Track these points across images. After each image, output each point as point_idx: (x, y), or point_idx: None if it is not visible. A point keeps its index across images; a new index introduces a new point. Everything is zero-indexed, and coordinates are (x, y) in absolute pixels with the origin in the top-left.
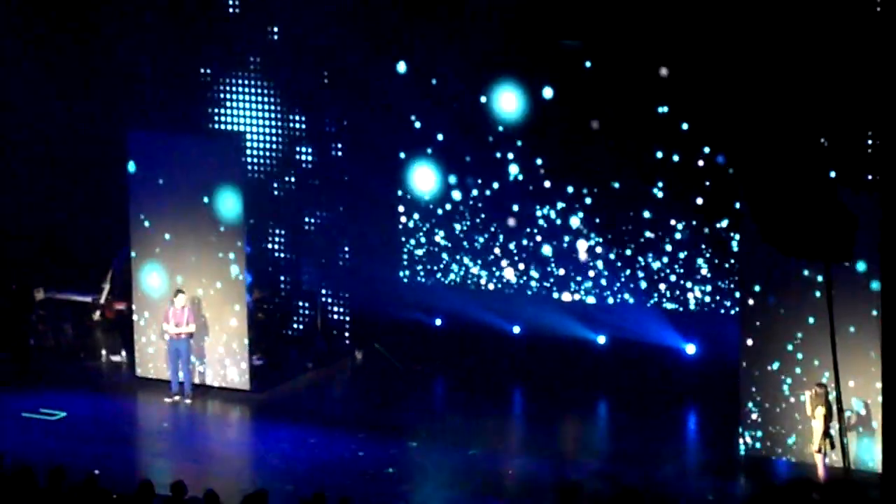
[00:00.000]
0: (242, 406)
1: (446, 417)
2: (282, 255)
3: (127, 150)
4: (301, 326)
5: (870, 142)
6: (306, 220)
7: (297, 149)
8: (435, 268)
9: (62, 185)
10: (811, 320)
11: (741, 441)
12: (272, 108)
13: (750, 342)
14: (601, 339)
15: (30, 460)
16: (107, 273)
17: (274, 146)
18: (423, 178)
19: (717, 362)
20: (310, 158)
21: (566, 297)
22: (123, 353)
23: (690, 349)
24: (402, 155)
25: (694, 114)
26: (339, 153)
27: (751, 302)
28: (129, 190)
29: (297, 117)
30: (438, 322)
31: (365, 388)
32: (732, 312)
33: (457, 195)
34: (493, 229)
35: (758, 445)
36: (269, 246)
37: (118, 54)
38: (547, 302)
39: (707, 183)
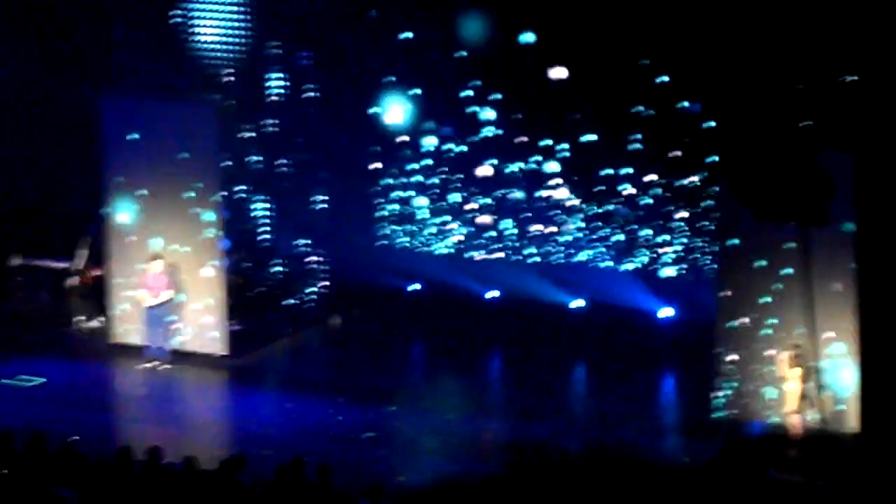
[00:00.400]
0: (220, 371)
1: (424, 382)
2: (261, 221)
3: (101, 115)
4: (279, 291)
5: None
6: (284, 186)
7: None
8: (412, 232)
9: (38, 151)
10: (790, 271)
11: (715, 397)
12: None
13: (728, 293)
14: (578, 303)
15: (8, 426)
16: (83, 238)
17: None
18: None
19: (694, 325)
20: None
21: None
22: (101, 318)
23: (668, 312)
24: (377, 110)
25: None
26: (312, 116)
27: (727, 254)
28: (105, 155)
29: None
30: (417, 287)
31: (343, 353)
32: (708, 272)
33: (430, 154)
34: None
35: (731, 403)
36: (249, 215)
37: (92, 21)
38: (524, 266)
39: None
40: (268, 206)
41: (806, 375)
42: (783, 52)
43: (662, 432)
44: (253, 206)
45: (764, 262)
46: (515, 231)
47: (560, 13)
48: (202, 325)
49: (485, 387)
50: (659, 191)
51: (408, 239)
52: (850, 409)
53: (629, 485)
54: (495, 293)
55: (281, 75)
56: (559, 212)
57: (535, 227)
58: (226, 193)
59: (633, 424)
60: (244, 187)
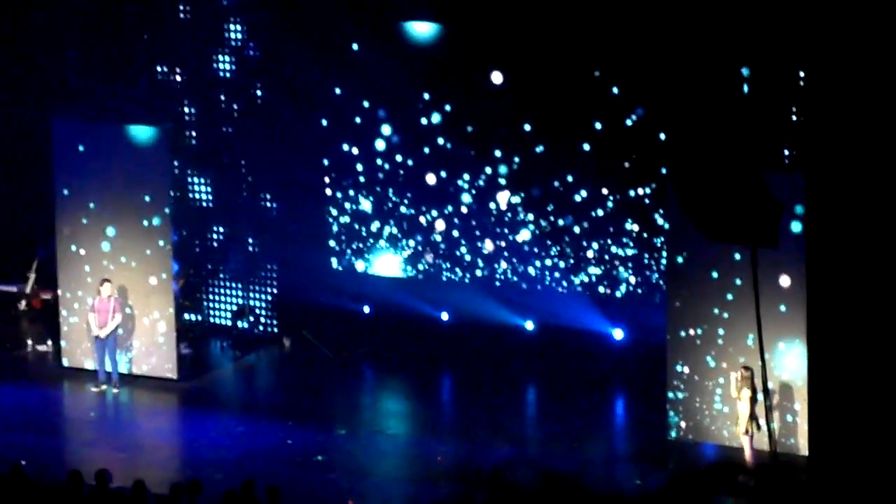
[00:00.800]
0: (170, 395)
1: (375, 405)
2: (210, 242)
3: (51, 137)
4: (229, 314)
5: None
6: (235, 207)
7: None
8: (363, 253)
9: None
10: (738, 282)
11: (667, 417)
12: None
13: (678, 305)
14: (529, 325)
15: None
16: (32, 262)
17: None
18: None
19: (645, 347)
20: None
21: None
22: (49, 342)
23: (618, 334)
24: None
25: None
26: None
27: (677, 264)
28: (54, 178)
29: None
30: (367, 309)
31: (293, 376)
32: (658, 298)
33: (384, 166)
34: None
35: (683, 425)
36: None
37: (43, 41)
38: (475, 287)
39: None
40: (219, 228)
41: (755, 397)
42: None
43: (613, 457)
44: (203, 229)
45: (714, 275)
46: (465, 248)
47: (513, 22)
48: (152, 349)
49: (435, 409)
50: (609, 204)
51: (357, 258)
52: (799, 431)
53: None
54: (445, 315)
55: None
56: (507, 228)
57: (486, 245)
58: (175, 216)
59: (583, 448)
60: (194, 212)
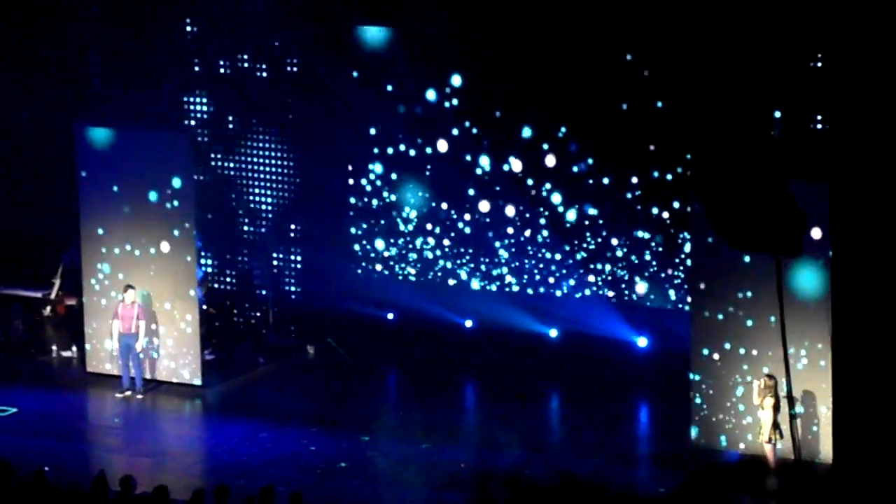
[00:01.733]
0: (193, 401)
1: (398, 411)
2: (235, 250)
3: (75, 143)
4: (253, 321)
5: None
6: (260, 213)
7: (249, 143)
8: (388, 261)
9: (10, 178)
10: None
11: (690, 425)
12: (223, 102)
13: (702, 285)
14: (553, 333)
15: None
16: (57, 268)
17: (226, 143)
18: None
19: (669, 355)
20: (260, 153)
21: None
22: (74, 348)
23: (642, 342)
24: (353, 146)
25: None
26: (289, 147)
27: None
28: (78, 187)
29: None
30: (390, 316)
31: (317, 383)
32: (681, 306)
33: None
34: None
35: (705, 433)
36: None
37: (67, 47)
38: (499, 296)
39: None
40: (243, 234)
41: (778, 405)
42: (757, 79)
43: (635, 462)
44: (228, 236)
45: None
46: (487, 254)
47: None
48: (176, 355)
49: (459, 416)
50: (636, 205)
51: (380, 264)
52: (822, 439)
53: None
54: (469, 322)
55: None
56: (528, 232)
57: (503, 251)
58: (198, 221)
59: (605, 454)
60: (220, 216)
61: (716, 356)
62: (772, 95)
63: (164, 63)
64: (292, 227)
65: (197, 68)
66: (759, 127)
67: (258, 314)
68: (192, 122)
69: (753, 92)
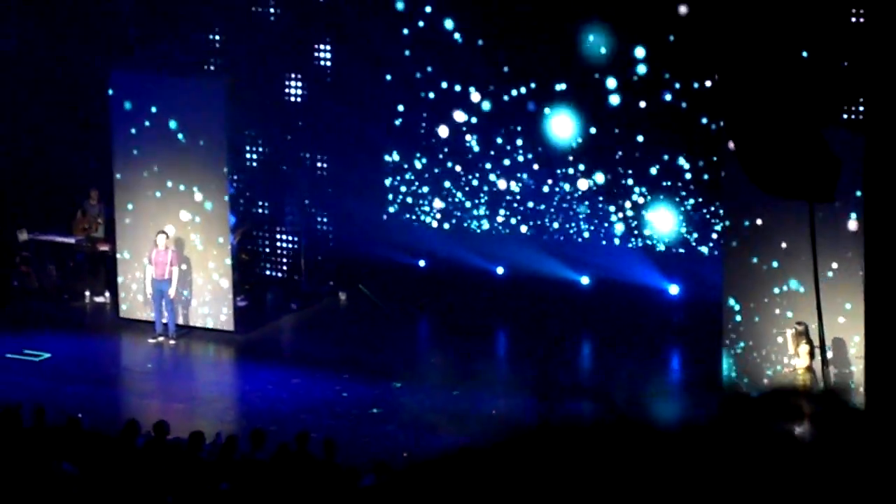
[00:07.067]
0: (226, 347)
1: (430, 358)
2: (266, 195)
3: (109, 88)
4: (285, 267)
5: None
6: (295, 160)
7: (285, 89)
8: (419, 208)
9: (45, 125)
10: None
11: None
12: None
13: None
14: (585, 280)
15: (14, 401)
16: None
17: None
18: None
19: (701, 303)
20: (297, 99)
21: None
22: (107, 293)
23: (673, 290)
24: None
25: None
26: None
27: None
28: (111, 131)
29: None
30: (422, 263)
31: (348, 330)
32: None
33: (444, 131)
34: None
35: (738, 380)
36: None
37: None
38: (531, 242)
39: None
40: (275, 180)
41: (813, 351)
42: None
43: (670, 400)
44: (260, 182)
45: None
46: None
47: None
48: (209, 301)
49: (490, 363)
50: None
51: (413, 212)
52: (857, 387)
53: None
54: (500, 269)
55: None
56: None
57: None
58: (233, 168)
59: (637, 401)
60: (251, 162)
61: (749, 304)
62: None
63: (201, 8)
64: (325, 172)
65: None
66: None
67: (291, 261)
68: (226, 67)
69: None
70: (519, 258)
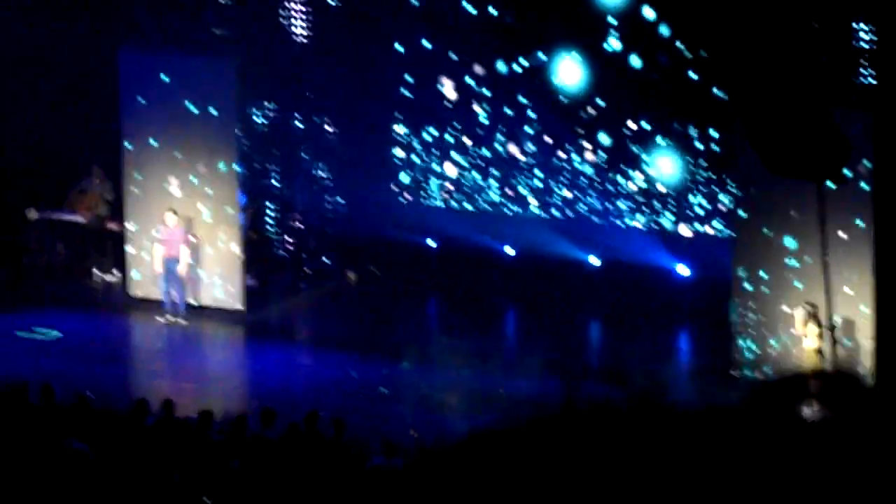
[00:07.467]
0: (236, 326)
1: (439, 339)
2: (275, 175)
3: (118, 67)
4: (295, 247)
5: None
6: (300, 137)
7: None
8: (428, 187)
9: (54, 105)
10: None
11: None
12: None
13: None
14: (594, 260)
15: (24, 379)
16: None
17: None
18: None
19: (711, 284)
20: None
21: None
22: (116, 272)
23: (684, 271)
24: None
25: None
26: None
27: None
28: (120, 109)
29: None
30: (432, 243)
31: (357, 309)
32: (727, 234)
33: (450, 93)
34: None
35: (747, 361)
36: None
37: None
38: (541, 223)
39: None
40: (285, 160)
41: (821, 333)
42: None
43: (677, 391)
44: (269, 161)
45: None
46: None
47: None
48: (219, 280)
49: (499, 343)
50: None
51: (422, 191)
52: (865, 368)
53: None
54: (510, 250)
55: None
56: (572, 160)
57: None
58: (241, 148)
59: (656, 375)
60: (260, 141)
61: (759, 286)
62: (819, 20)
63: None
64: (335, 150)
65: None
66: (804, 51)
67: (300, 240)
68: (234, 45)
69: (799, 15)
70: (529, 238)
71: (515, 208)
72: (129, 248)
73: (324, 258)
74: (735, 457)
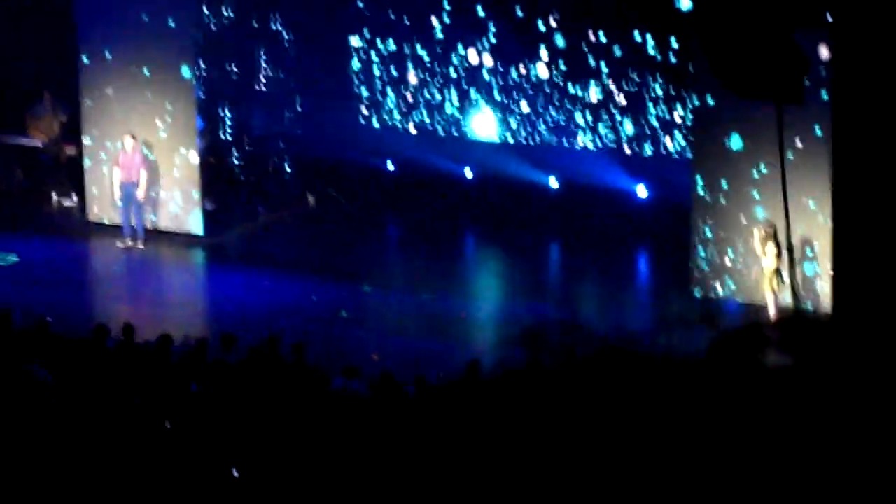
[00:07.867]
0: (195, 251)
1: (399, 262)
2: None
3: None
4: (254, 170)
5: None
6: (260, 63)
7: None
8: (387, 110)
9: (6, 26)
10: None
11: (692, 273)
12: None
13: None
14: (553, 182)
15: None
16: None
17: None
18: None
19: (670, 205)
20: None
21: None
22: (75, 197)
23: (642, 191)
24: None
25: None
26: None
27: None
28: (78, 29)
29: None
30: (391, 166)
31: (317, 233)
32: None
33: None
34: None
35: (707, 283)
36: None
37: None
38: (500, 146)
39: None
40: (243, 82)
41: (780, 253)
42: None
43: (640, 317)
44: (227, 76)
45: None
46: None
47: None
48: (177, 205)
49: (459, 267)
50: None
51: (381, 112)
52: (823, 288)
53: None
54: (469, 172)
55: None
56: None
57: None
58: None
59: (610, 308)
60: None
61: (718, 202)
62: None
63: None
64: (294, 76)
65: None
66: None
67: (260, 163)
68: None
69: None
70: (488, 161)
71: (473, 130)
72: (86, 161)
73: (282, 180)
74: (701, 406)
